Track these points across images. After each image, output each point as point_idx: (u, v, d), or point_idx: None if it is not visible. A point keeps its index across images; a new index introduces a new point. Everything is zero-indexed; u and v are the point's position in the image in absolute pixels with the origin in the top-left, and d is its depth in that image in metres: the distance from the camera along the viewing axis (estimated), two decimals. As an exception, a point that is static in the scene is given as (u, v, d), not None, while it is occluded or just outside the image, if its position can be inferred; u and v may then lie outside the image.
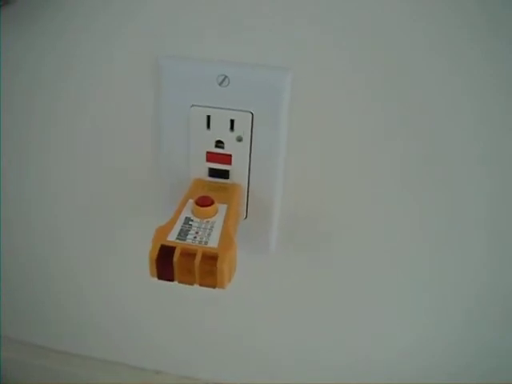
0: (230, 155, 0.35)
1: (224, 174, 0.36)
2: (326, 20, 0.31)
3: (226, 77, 0.33)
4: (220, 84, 0.33)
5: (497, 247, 0.36)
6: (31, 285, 0.50)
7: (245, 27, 0.33)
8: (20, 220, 0.46)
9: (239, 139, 0.34)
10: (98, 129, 0.39)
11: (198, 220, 0.31)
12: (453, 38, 0.30)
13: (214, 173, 0.36)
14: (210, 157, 0.35)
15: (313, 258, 0.40)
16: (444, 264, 0.38)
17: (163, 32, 0.34)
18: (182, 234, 0.29)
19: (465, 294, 0.39)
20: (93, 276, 0.48)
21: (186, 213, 0.31)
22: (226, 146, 0.35)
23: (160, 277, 0.28)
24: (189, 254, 0.28)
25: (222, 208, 0.32)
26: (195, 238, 0.29)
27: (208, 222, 0.31)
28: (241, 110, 0.34)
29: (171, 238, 0.29)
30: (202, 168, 0.36)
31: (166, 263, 0.28)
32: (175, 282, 0.29)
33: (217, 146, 0.35)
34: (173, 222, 0.30)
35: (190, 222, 0.30)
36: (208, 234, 0.29)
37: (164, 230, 0.29)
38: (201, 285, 0.28)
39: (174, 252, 0.28)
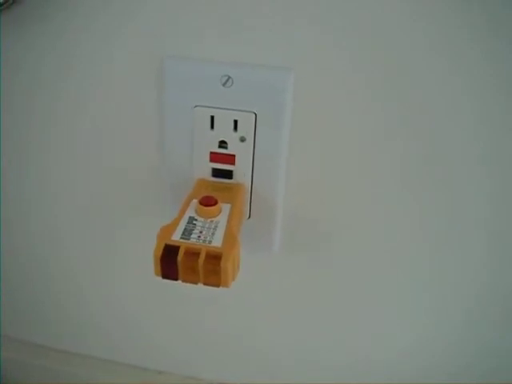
0: (234, 155, 0.35)
1: (227, 174, 0.36)
2: (326, 20, 0.31)
3: (229, 77, 0.33)
4: (224, 84, 0.33)
5: (497, 247, 0.36)
6: (31, 284, 0.50)
7: (245, 27, 0.33)
8: (20, 220, 0.46)
9: (242, 139, 0.35)
10: (98, 129, 0.39)
11: (202, 219, 0.31)
12: (453, 38, 0.30)
13: (217, 173, 0.36)
14: (214, 157, 0.36)
15: (315, 257, 0.40)
16: (444, 264, 0.38)
17: (163, 32, 0.34)
18: (186, 233, 0.29)
19: (465, 294, 0.39)
20: (93, 276, 0.48)
21: (190, 212, 0.32)
22: (229, 146, 0.35)
23: (164, 276, 0.28)
24: (193, 253, 0.28)
25: (225, 208, 0.32)
26: (199, 237, 0.29)
27: (212, 221, 0.31)
28: (244, 111, 0.34)
29: (175, 237, 0.29)
30: (205, 168, 0.36)
31: (170, 262, 0.28)
32: (179, 281, 0.29)
33: (220, 147, 0.35)
34: (177, 221, 0.31)
35: (194, 222, 0.31)
36: (212, 233, 0.30)
37: (168, 230, 0.30)
38: (205, 284, 0.28)
39: (178, 251, 0.28)
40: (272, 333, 0.46)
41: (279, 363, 0.47)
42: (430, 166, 0.34)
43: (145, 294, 0.47)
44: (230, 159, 0.35)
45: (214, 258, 0.28)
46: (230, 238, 0.29)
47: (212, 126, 0.35)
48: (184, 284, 0.29)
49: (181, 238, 0.29)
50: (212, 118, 0.34)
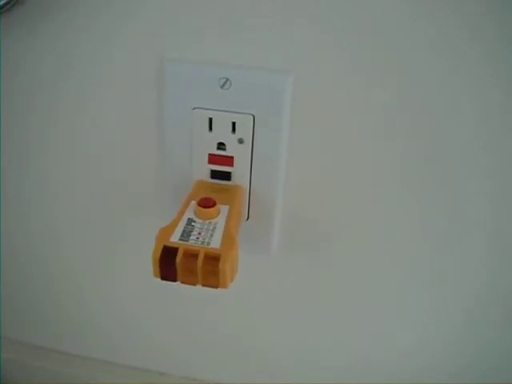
0: (232, 157, 0.35)
1: (226, 176, 0.36)
2: (326, 20, 0.31)
3: (227, 79, 0.33)
4: (222, 87, 0.33)
5: (497, 247, 0.36)
6: (31, 285, 0.50)
7: (245, 27, 0.33)
8: (20, 220, 0.46)
9: (241, 141, 0.35)
10: (98, 130, 0.39)
11: (201, 221, 0.31)
12: (453, 38, 0.30)
13: (216, 174, 0.36)
14: (212, 159, 0.36)
15: (314, 258, 0.40)
16: (444, 264, 0.38)
17: (163, 32, 0.34)
18: (185, 234, 0.30)
19: (465, 294, 0.39)
20: (93, 276, 0.48)
21: (189, 214, 0.32)
22: (227, 148, 0.35)
23: (163, 277, 0.29)
24: (191, 255, 0.28)
25: (224, 209, 0.32)
26: (198, 238, 0.29)
27: (210, 223, 0.31)
28: (242, 113, 0.34)
29: (174, 238, 0.29)
30: (204, 170, 0.36)
31: (168, 264, 0.28)
32: (178, 283, 0.29)
33: (219, 148, 0.35)
34: (175, 222, 0.31)
35: (193, 223, 0.31)
36: (210, 234, 0.30)
37: (167, 231, 0.30)
38: (203, 285, 0.28)
39: (176, 253, 0.28)
40: (272, 333, 0.46)
41: (279, 363, 0.47)
42: (430, 165, 0.34)
43: (145, 294, 0.47)
44: (229, 161, 0.35)
45: (213, 259, 0.28)
46: (229, 239, 0.29)
47: (210, 128, 0.35)
48: (183, 285, 0.29)
49: (179, 239, 0.29)
50: (210, 120, 0.34)
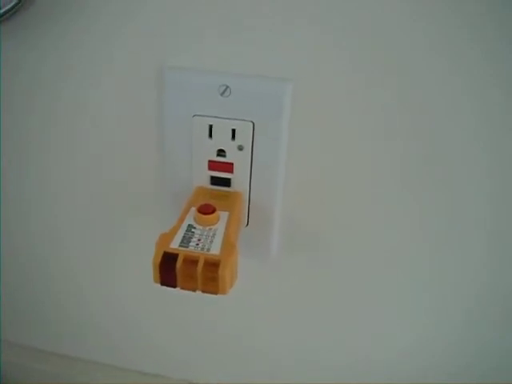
0: (232, 164, 0.36)
1: (226, 182, 0.36)
2: (326, 20, 0.31)
3: (227, 87, 0.33)
4: (222, 94, 0.34)
5: (497, 247, 0.36)
6: (31, 286, 0.50)
7: (244, 27, 0.33)
8: (20, 220, 0.46)
9: (240, 148, 0.35)
10: (97, 131, 0.39)
11: (201, 227, 0.31)
12: (453, 38, 0.30)
13: (215, 181, 0.37)
14: (212, 165, 0.36)
15: (313, 263, 0.41)
16: (444, 264, 0.38)
17: (164, 35, 0.34)
18: (185, 241, 0.30)
19: (465, 294, 0.39)
20: (93, 277, 0.48)
21: (189, 220, 0.32)
22: (227, 154, 0.35)
23: (163, 283, 0.29)
24: (191, 261, 0.28)
25: (223, 215, 0.33)
26: (197, 245, 0.30)
27: (210, 229, 0.31)
28: (242, 120, 0.34)
29: (174, 244, 0.29)
30: (204, 176, 0.37)
31: (169, 270, 0.28)
32: (177, 288, 0.29)
33: (218, 155, 0.36)
34: (176, 229, 0.31)
35: (193, 230, 0.31)
36: (210, 241, 0.30)
37: (167, 237, 0.30)
38: (203, 291, 0.29)
39: (176, 259, 0.28)
40: (272, 334, 0.46)
41: (279, 364, 0.47)
42: (430, 165, 0.34)
43: (145, 294, 0.47)
44: (228, 167, 0.36)
45: (212, 265, 0.28)
46: (228, 245, 0.30)
47: (210, 135, 0.35)
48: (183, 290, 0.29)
49: (179, 245, 0.29)
50: (210, 126, 0.35)
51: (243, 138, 0.34)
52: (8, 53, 0.37)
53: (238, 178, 0.36)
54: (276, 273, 0.42)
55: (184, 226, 0.31)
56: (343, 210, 0.38)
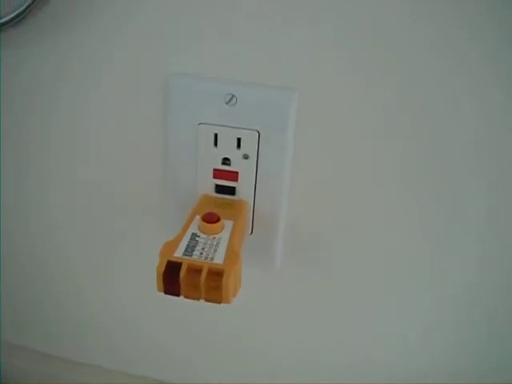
0: (237, 172, 0.36)
1: (231, 191, 0.37)
2: (326, 20, 0.31)
3: (233, 96, 0.33)
4: (227, 103, 0.34)
5: (497, 247, 0.36)
6: (31, 288, 0.50)
7: (244, 27, 0.33)
8: (20, 221, 0.46)
9: (246, 157, 0.35)
10: (100, 139, 0.39)
11: (205, 236, 0.31)
12: (453, 38, 0.30)
13: (220, 189, 0.37)
14: (217, 174, 0.36)
15: (316, 270, 0.40)
16: (444, 264, 0.38)
17: (166, 37, 0.34)
18: (189, 249, 0.30)
19: (465, 294, 0.39)
20: (93, 280, 0.48)
21: (193, 229, 0.32)
22: (232, 163, 0.35)
23: (167, 292, 0.29)
24: (195, 270, 0.28)
25: (228, 224, 0.33)
26: (201, 254, 0.30)
27: (214, 238, 0.31)
28: (247, 129, 0.34)
29: (178, 253, 0.29)
30: (209, 184, 0.37)
31: (172, 279, 0.28)
32: (181, 297, 0.29)
33: (223, 163, 0.36)
34: (180, 237, 0.31)
35: (197, 238, 0.31)
36: (214, 250, 0.30)
37: (171, 246, 0.30)
38: (206, 300, 0.29)
39: (180, 268, 0.28)
40: (272, 334, 0.46)
41: (279, 364, 0.47)
42: (430, 165, 0.34)
43: (145, 297, 0.47)
44: (233, 176, 0.36)
45: (216, 274, 0.28)
46: (232, 254, 0.30)
47: (215, 143, 0.35)
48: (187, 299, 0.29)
49: (183, 254, 0.29)
50: (216, 135, 0.35)
51: (248, 147, 0.35)
52: (8, 54, 0.37)
53: (243, 187, 0.36)
54: (279, 280, 0.42)
55: (188, 235, 0.31)
56: (348, 219, 0.37)
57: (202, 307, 0.45)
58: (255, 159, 0.35)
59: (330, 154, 0.35)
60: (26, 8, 0.33)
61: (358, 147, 0.35)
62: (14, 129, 0.41)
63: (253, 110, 0.34)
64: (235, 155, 0.35)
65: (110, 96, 0.37)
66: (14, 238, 0.47)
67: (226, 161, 0.36)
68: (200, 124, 0.35)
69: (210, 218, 0.32)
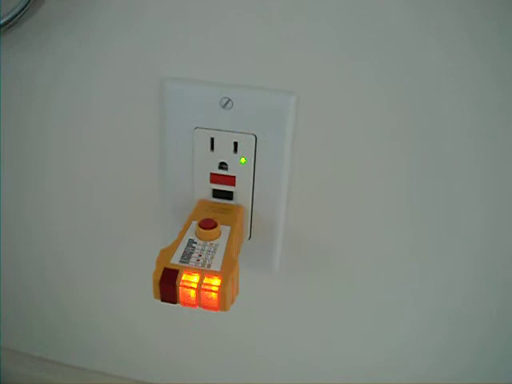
0: (234, 177, 0.35)
1: (228, 195, 0.36)
2: (324, 22, 0.31)
3: (229, 99, 0.33)
4: (223, 106, 0.33)
5: (496, 246, 0.36)
6: (30, 293, 0.51)
7: (240, 30, 0.32)
8: (19, 228, 0.46)
9: (243, 161, 0.35)
10: (97, 145, 0.39)
11: (202, 242, 0.31)
12: (454, 38, 0.30)
13: (218, 194, 0.36)
14: (214, 178, 0.36)
15: (315, 274, 0.41)
16: (444, 264, 0.38)
17: (159, 36, 0.34)
18: (186, 256, 0.30)
19: (465, 294, 0.39)
20: (95, 287, 0.48)
21: (190, 235, 0.32)
22: (229, 167, 0.35)
23: (163, 299, 0.29)
24: (192, 278, 0.28)
25: (225, 230, 0.33)
26: (198, 260, 0.29)
27: (211, 244, 0.31)
28: (244, 133, 0.34)
29: (175, 260, 0.29)
30: (206, 189, 0.36)
31: (169, 286, 0.28)
32: (178, 305, 0.29)
33: (220, 168, 0.35)
34: (176, 243, 0.31)
35: (194, 245, 0.31)
36: (211, 256, 0.30)
37: (167, 253, 0.30)
38: (203, 308, 0.29)
39: (177, 275, 0.28)
40: (271, 338, 0.46)
41: (278, 367, 0.48)
42: (430, 166, 0.34)
43: (146, 303, 0.47)
44: (230, 180, 0.35)
45: (213, 282, 0.28)
46: (229, 261, 0.29)
47: (212, 148, 0.35)
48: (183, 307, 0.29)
49: (180, 261, 0.29)
50: (212, 139, 0.34)
51: (245, 151, 0.34)
52: (6, 61, 0.37)
53: (241, 191, 0.36)
54: (278, 284, 0.42)
55: (185, 241, 0.31)
56: (347, 222, 0.37)
57: (200, 312, 0.45)
58: (252, 163, 0.35)
59: (328, 158, 0.35)
60: (21, 10, 0.33)
61: (357, 151, 0.34)
62: (10, 134, 0.41)
63: (249, 114, 0.33)
64: (232, 159, 0.35)
65: (105, 101, 0.37)
66: (13, 243, 0.47)
67: (222, 165, 0.35)
68: (196, 128, 0.34)
69: (207, 224, 0.32)
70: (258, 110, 0.33)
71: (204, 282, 0.28)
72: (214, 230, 0.31)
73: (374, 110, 0.33)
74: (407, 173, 0.35)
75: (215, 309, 0.28)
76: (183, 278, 0.28)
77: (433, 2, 0.29)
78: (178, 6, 0.32)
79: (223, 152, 0.35)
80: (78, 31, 0.35)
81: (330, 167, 0.35)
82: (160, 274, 0.28)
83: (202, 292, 0.28)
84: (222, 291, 0.28)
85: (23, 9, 0.33)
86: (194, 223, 0.33)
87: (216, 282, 0.28)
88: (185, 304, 0.29)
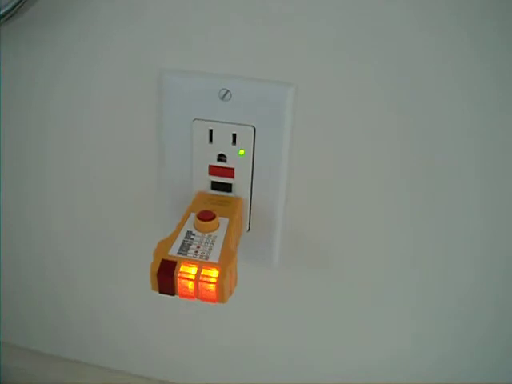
0: (233, 169, 0.35)
1: (227, 187, 0.36)
2: (324, 14, 0.31)
3: (227, 91, 0.33)
4: (222, 98, 0.33)
5: (497, 247, 0.36)
6: (30, 288, 0.50)
7: (238, 21, 0.32)
8: (19, 225, 0.46)
9: (241, 153, 0.35)
10: (96, 138, 0.39)
11: (200, 234, 0.31)
12: (454, 38, 0.30)
13: (216, 186, 0.36)
14: (213, 170, 0.36)
15: (314, 267, 0.40)
16: (445, 264, 0.38)
17: (157, 28, 0.34)
18: (184, 248, 0.30)
19: (465, 294, 0.39)
20: (94, 282, 0.48)
21: (188, 226, 0.32)
22: (228, 159, 0.35)
23: (161, 291, 0.29)
24: (190, 269, 0.28)
25: (223, 222, 0.33)
26: (196, 252, 0.29)
27: (210, 236, 0.31)
28: (243, 124, 0.34)
29: (173, 252, 0.29)
30: (204, 181, 0.36)
31: (167, 278, 0.28)
32: (176, 297, 0.29)
33: (219, 160, 0.35)
34: (175, 235, 0.31)
35: (192, 236, 0.31)
36: (209, 248, 0.30)
37: (166, 244, 0.30)
38: (201, 300, 0.29)
39: (175, 266, 0.28)
40: (270, 333, 0.46)
41: (278, 363, 0.47)
42: (431, 164, 0.34)
43: (146, 300, 0.47)
44: (229, 172, 0.35)
45: (211, 274, 0.28)
46: (227, 253, 0.29)
47: (211, 140, 0.35)
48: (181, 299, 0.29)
49: (178, 253, 0.29)
50: (211, 131, 0.34)
51: (244, 142, 0.34)
52: (5, 55, 0.37)
53: (240, 183, 0.36)
54: (277, 277, 0.42)
55: (183, 233, 0.31)
56: (347, 215, 0.37)
57: (201, 306, 0.45)
58: (251, 155, 0.35)
59: (328, 150, 0.35)
60: (17, 3, 0.33)
61: (357, 143, 0.34)
62: (10, 131, 0.41)
63: (248, 105, 0.33)
64: (231, 151, 0.35)
65: (105, 94, 0.37)
66: (13, 240, 0.47)
67: (221, 157, 0.35)
68: (195, 120, 0.34)
69: (205, 216, 0.32)
70: (257, 102, 0.33)
71: (202, 273, 0.28)
72: (213, 221, 0.32)
73: (373, 106, 0.33)
74: (409, 163, 0.34)
75: (213, 300, 0.28)
76: (181, 269, 0.28)
77: (433, 2, 0.29)
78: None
79: (222, 144, 0.35)
80: (78, 24, 0.35)
81: (329, 159, 0.35)
82: (158, 265, 0.28)
83: (200, 283, 0.28)
84: (220, 283, 0.28)
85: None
86: (193, 215, 0.33)
87: (214, 273, 0.28)
88: (183, 296, 0.29)
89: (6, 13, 0.33)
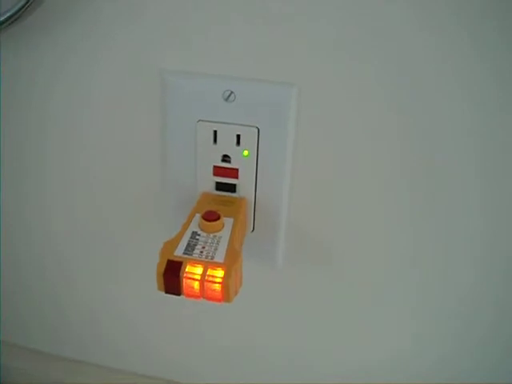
0: (237, 169, 0.35)
1: (231, 188, 0.36)
2: (326, 15, 0.31)
3: (231, 92, 0.33)
4: (226, 99, 0.33)
5: (497, 247, 0.36)
6: (30, 288, 0.50)
7: (241, 22, 0.32)
8: (19, 224, 0.46)
9: (245, 154, 0.35)
10: (99, 139, 0.39)
11: (205, 234, 0.31)
12: (454, 38, 0.30)
13: (221, 186, 0.36)
14: (217, 171, 0.36)
15: (318, 267, 0.40)
16: (445, 264, 0.38)
17: (160, 29, 0.34)
18: (189, 248, 0.30)
19: (465, 295, 0.39)
20: (95, 281, 0.48)
21: (193, 227, 0.32)
22: (232, 160, 0.35)
23: (167, 291, 0.29)
24: (195, 269, 0.29)
25: (228, 222, 0.33)
26: (202, 252, 0.30)
27: (215, 236, 0.31)
28: (247, 125, 0.34)
29: (178, 252, 0.29)
30: (209, 182, 0.36)
31: (172, 278, 0.28)
32: (182, 296, 0.29)
33: (223, 161, 0.35)
34: (180, 236, 0.31)
35: (197, 237, 0.31)
36: (214, 248, 0.30)
37: (171, 245, 0.30)
38: (207, 299, 0.29)
39: (180, 267, 0.28)
40: (273, 333, 0.46)
41: (280, 363, 0.47)
42: (431, 164, 0.34)
43: (146, 299, 0.47)
44: (233, 173, 0.36)
45: (217, 274, 0.28)
46: (233, 253, 0.30)
47: (215, 141, 0.35)
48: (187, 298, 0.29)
49: (183, 253, 0.29)
50: (215, 132, 0.34)
51: (248, 143, 0.34)
52: (6, 56, 0.37)
53: (244, 184, 0.36)
54: (281, 277, 0.42)
55: (188, 233, 0.31)
56: (350, 216, 0.37)
57: (202, 306, 0.45)
58: (255, 156, 0.35)
59: (328, 150, 0.35)
60: (22, 7, 0.33)
61: (357, 143, 0.34)
62: (10, 131, 0.41)
63: (252, 106, 0.33)
64: (235, 152, 0.35)
65: (106, 95, 0.37)
66: (13, 240, 0.47)
67: (225, 158, 0.35)
68: (199, 121, 0.35)
69: (210, 216, 0.32)
70: (261, 103, 0.33)
71: (208, 273, 0.28)
72: (218, 221, 0.32)
73: (373, 106, 0.33)
74: (411, 163, 0.35)
75: (219, 300, 0.28)
76: (187, 269, 0.28)
77: (433, 2, 0.29)
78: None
79: (226, 145, 0.35)
80: (80, 25, 0.35)
81: (329, 159, 0.36)
82: (164, 265, 0.29)
83: (205, 283, 0.28)
84: (225, 282, 0.28)
85: (23, 6, 0.33)
86: (198, 215, 0.33)
87: (219, 273, 0.28)
88: (189, 296, 0.29)
89: (11, 16, 0.33)
